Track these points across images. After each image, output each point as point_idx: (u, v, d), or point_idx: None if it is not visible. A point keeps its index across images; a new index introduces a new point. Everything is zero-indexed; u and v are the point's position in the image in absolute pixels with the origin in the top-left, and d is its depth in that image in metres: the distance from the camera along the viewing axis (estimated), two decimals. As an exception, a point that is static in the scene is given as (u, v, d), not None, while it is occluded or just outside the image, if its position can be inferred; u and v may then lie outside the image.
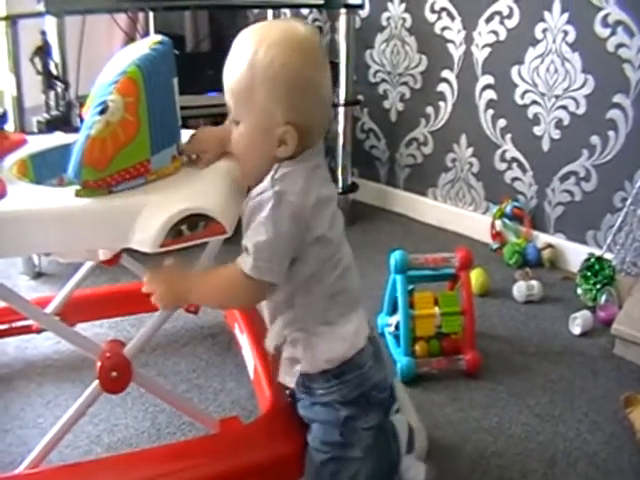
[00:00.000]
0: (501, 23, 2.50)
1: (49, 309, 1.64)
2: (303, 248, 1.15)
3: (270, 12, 3.00)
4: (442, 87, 2.75)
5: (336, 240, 1.20)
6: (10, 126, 2.09)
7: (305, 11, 3.10)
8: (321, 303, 1.20)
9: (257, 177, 1.17)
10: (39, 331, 1.68)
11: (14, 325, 1.70)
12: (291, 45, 1.12)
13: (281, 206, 1.10)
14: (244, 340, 1.63)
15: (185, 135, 1.31)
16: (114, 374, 1.20)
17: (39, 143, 1.40)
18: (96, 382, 1.22)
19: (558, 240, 2.52)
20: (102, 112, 1.10)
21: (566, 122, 2.41)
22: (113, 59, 1.21)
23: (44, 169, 1.34)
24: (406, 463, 1.29)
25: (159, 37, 1.26)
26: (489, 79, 2.59)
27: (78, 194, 1.13)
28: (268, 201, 1.10)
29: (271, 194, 1.10)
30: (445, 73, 2.72)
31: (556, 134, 2.45)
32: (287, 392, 1.35)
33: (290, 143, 1.13)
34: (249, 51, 1.12)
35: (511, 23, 2.48)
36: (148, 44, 1.22)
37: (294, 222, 1.11)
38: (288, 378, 1.24)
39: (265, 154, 1.15)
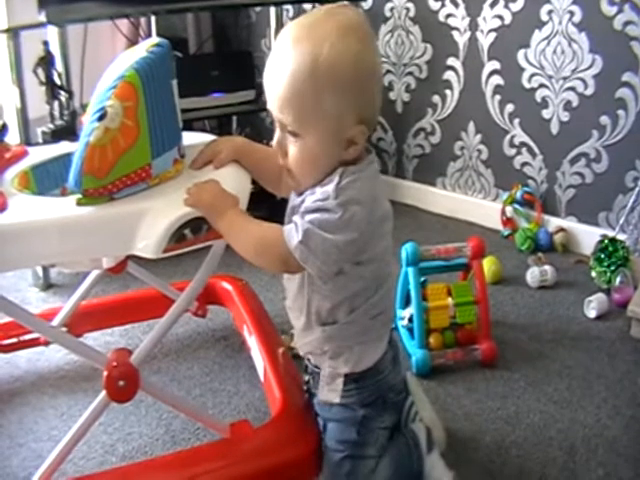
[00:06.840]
0: (506, 7, 2.47)
1: (56, 320, 1.63)
2: (353, 265, 1.11)
3: (272, 10, 2.98)
4: (448, 75, 2.72)
5: (387, 257, 1.19)
6: (15, 138, 2.08)
7: (308, 6, 3.08)
8: (363, 322, 1.19)
9: (312, 185, 1.11)
10: (47, 343, 1.67)
11: (22, 339, 1.70)
12: (350, 39, 1.02)
13: (345, 216, 1.04)
14: (253, 342, 1.62)
15: (186, 138, 1.30)
16: (121, 383, 1.20)
17: (40, 154, 1.39)
18: (103, 392, 1.21)
19: (570, 223, 2.49)
20: (101, 118, 1.10)
21: (575, 104, 2.38)
22: (112, 64, 1.20)
23: (46, 180, 1.34)
24: (429, 463, 1.28)
25: (157, 39, 1.25)
26: (495, 64, 2.57)
27: (79, 203, 1.12)
28: (332, 210, 1.04)
29: (335, 204, 1.04)
30: (451, 61, 2.70)
31: (565, 116, 2.42)
32: (304, 387, 1.34)
33: (360, 142, 1.08)
34: (307, 56, 1.02)
35: (516, 6, 2.45)
36: (146, 47, 1.21)
37: (355, 233, 1.05)
38: (332, 394, 1.22)
39: (332, 162, 1.09)
